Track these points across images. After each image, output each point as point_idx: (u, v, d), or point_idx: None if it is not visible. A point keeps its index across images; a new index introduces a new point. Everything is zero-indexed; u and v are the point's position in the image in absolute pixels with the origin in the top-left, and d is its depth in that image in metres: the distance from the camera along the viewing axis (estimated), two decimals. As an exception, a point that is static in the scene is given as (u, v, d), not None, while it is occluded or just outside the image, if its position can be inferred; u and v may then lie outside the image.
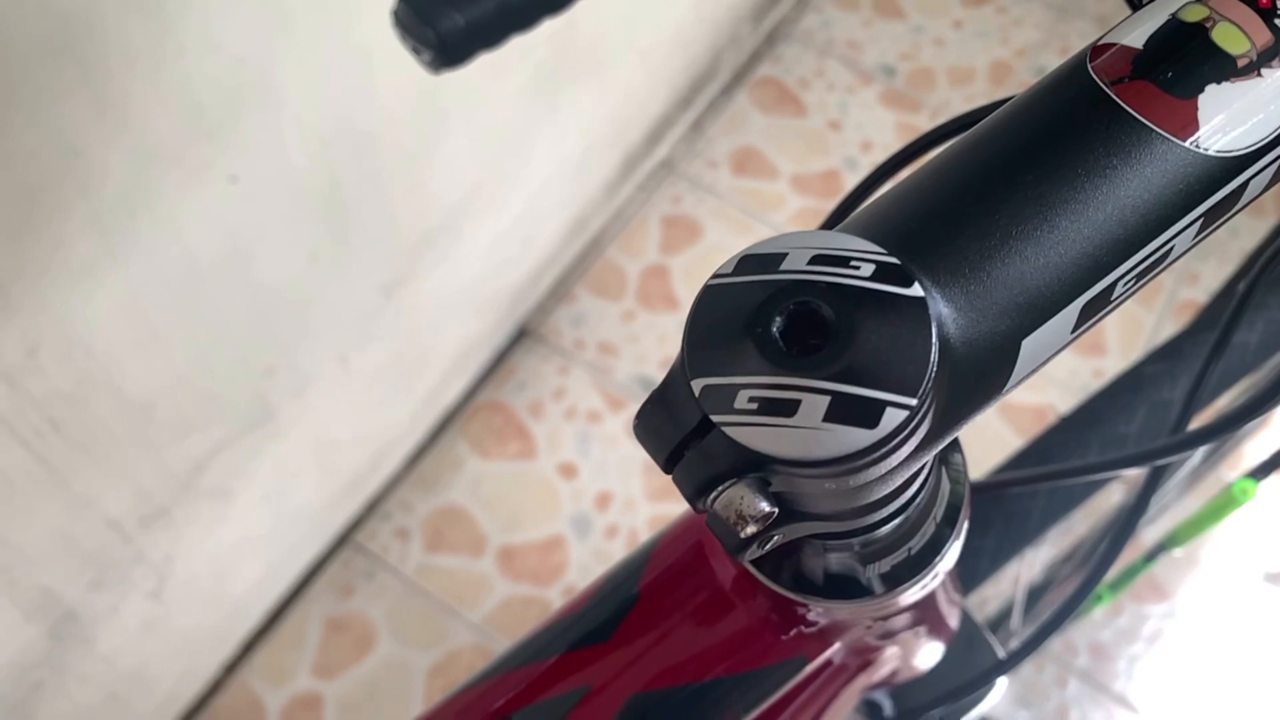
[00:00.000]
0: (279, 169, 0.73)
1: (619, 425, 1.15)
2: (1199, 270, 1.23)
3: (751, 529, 0.23)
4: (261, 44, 0.66)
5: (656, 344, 1.19)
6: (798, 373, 0.22)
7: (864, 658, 0.37)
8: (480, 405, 1.15)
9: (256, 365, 0.82)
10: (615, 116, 1.15)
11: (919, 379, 0.22)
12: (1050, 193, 0.23)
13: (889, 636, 0.38)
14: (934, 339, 0.22)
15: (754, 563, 0.32)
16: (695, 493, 0.23)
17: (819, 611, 0.33)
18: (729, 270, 0.23)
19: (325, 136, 0.75)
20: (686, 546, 0.34)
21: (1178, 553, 0.64)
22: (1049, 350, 0.25)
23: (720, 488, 0.23)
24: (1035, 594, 0.79)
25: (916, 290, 0.22)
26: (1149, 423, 0.55)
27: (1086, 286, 0.24)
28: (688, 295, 1.22)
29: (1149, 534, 0.74)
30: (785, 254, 0.23)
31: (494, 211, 1.02)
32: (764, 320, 0.22)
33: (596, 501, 1.12)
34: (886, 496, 0.27)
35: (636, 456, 1.14)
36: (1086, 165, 0.23)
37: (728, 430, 0.22)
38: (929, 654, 0.44)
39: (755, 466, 0.22)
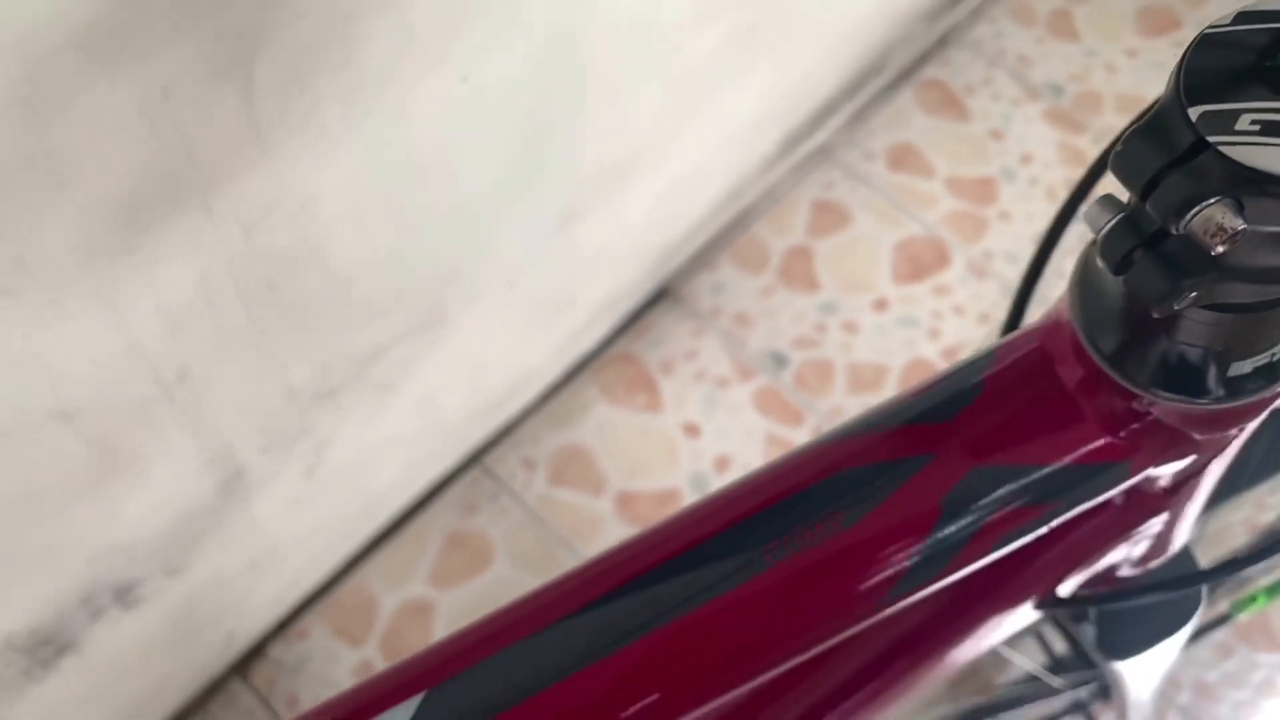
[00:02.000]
0: (503, 76, 0.76)
1: (746, 394, 1.17)
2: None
3: (1223, 247, 0.26)
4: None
5: (791, 322, 1.21)
6: None
7: (1152, 505, 0.39)
8: (615, 354, 1.18)
9: (442, 266, 0.85)
10: (787, 94, 1.17)
11: None
12: None
13: (1186, 482, 0.40)
14: None
15: (1106, 358, 0.34)
16: (1174, 212, 0.27)
17: (1158, 410, 0.35)
18: (1227, 22, 0.28)
19: (546, 51, 0.78)
20: (1031, 348, 0.37)
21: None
22: None
23: (1201, 205, 0.26)
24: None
25: None
26: None
27: None
28: (829, 279, 1.23)
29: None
30: None
31: (663, 165, 1.05)
32: (1272, 55, 0.27)
33: (715, 463, 1.14)
34: None
35: (759, 427, 1.15)
36: None
37: (1227, 150, 0.26)
38: (1177, 535, 0.45)
39: (1242, 186, 0.26)
